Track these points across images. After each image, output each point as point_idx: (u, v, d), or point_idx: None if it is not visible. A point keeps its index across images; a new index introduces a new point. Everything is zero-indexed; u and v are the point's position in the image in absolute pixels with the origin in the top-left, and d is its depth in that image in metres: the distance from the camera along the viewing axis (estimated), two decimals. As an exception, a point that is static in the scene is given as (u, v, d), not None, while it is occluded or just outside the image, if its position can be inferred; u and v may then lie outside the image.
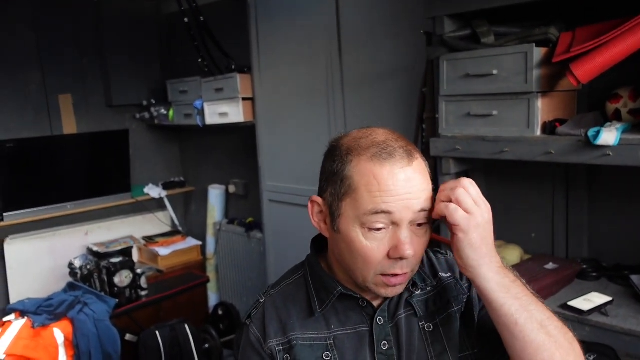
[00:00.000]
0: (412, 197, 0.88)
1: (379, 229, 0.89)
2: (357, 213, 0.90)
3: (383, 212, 0.88)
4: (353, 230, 0.90)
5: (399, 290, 0.94)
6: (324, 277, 1.00)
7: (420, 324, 0.99)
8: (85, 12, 3.56)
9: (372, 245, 0.89)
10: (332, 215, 0.95)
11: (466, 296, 1.02)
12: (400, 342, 0.96)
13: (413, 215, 0.89)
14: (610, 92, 1.65)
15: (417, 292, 1.00)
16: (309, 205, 1.00)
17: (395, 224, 0.89)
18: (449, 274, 1.04)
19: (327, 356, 0.95)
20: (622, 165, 1.45)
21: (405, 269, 0.91)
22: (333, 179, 0.94)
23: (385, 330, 0.97)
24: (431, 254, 1.09)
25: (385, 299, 0.98)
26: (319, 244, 1.06)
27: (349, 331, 0.97)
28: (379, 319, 0.97)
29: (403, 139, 0.95)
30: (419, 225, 0.91)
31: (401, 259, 0.89)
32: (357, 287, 0.97)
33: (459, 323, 1.00)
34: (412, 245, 0.89)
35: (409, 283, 0.98)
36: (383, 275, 0.91)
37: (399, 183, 0.88)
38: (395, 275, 0.91)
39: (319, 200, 0.98)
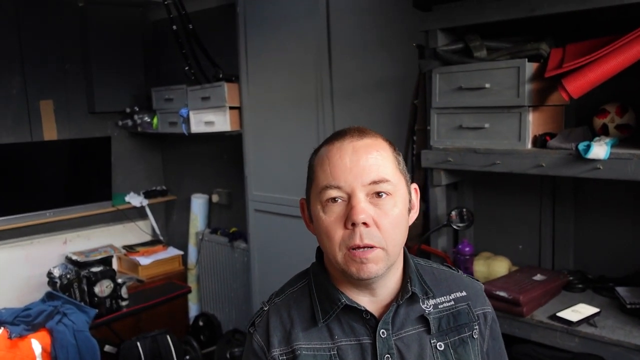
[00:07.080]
0: (360, 167, 0.91)
1: (334, 200, 0.92)
2: (316, 193, 0.95)
3: (332, 184, 0.92)
4: (317, 211, 0.94)
5: (371, 269, 0.90)
6: (329, 287, 0.99)
7: (431, 341, 0.97)
8: (70, 17, 3.52)
9: (330, 218, 0.92)
10: (308, 208, 0.99)
11: (477, 324, 1.02)
12: (406, 356, 0.95)
13: (365, 185, 0.91)
14: (597, 108, 1.69)
15: (431, 309, 0.99)
16: (300, 208, 1.05)
17: (349, 195, 0.91)
18: (463, 293, 1.04)
19: None
20: (612, 179, 1.48)
21: (366, 240, 0.89)
22: (308, 176, 1.00)
23: (389, 343, 0.95)
24: (434, 265, 1.09)
25: (389, 311, 0.96)
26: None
27: (352, 342, 0.96)
28: (382, 332, 0.95)
29: (367, 129, 0.98)
30: (379, 195, 0.91)
31: (354, 225, 0.89)
32: (353, 287, 0.97)
33: (474, 352, 1.00)
34: (367, 213, 0.89)
35: (407, 293, 0.97)
36: (349, 250, 0.90)
37: (346, 156, 0.92)
38: (359, 247, 0.89)
39: (303, 200, 1.03)
